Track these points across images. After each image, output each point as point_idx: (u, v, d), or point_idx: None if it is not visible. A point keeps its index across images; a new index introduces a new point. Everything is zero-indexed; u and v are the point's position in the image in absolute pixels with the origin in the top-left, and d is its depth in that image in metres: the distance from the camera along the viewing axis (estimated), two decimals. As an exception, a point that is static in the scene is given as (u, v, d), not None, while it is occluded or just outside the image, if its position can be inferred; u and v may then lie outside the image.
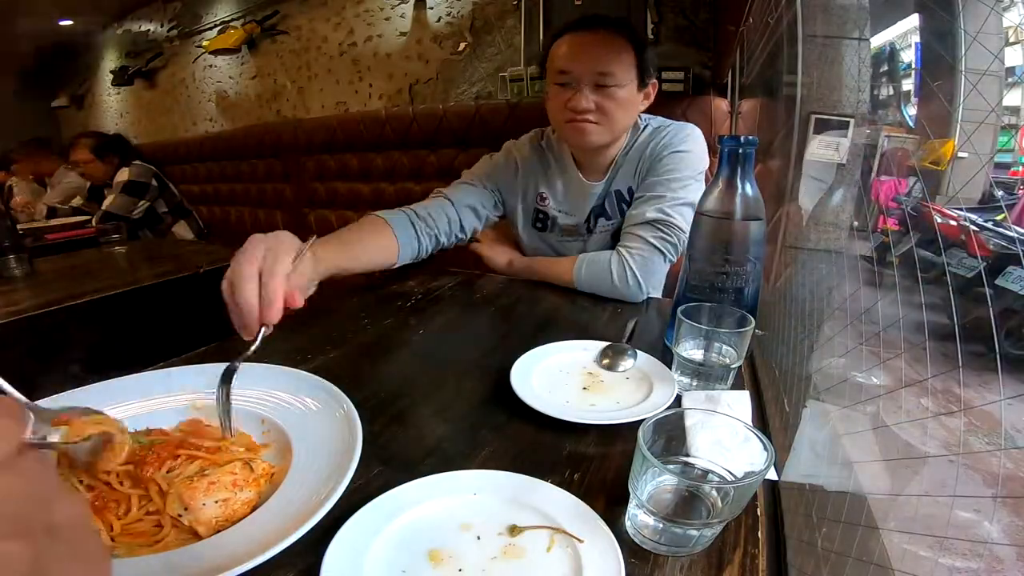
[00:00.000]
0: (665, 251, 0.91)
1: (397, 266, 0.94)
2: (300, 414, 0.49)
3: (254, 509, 0.38)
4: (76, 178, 2.80)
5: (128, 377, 0.54)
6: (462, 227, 1.03)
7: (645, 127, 1.03)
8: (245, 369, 0.51)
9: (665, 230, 0.91)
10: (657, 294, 0.97)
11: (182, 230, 2.45)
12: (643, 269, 0.89)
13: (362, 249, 0.87)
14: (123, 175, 2.32)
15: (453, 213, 1.02)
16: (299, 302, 0.55)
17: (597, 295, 0.92)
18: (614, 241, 1.04)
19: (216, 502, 0.36)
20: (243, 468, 0.40)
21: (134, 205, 2.31)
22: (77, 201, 2.66)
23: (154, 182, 2.37)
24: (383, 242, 0.91)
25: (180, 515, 0.36)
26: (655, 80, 1.00)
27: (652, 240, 0.90)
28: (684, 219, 0.91)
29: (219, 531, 0.36)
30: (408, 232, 0.95)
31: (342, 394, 0.50)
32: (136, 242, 2.18)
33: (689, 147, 0.98)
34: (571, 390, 0.58)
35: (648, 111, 1.03)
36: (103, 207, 2.26)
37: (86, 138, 2.44)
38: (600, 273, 0.92)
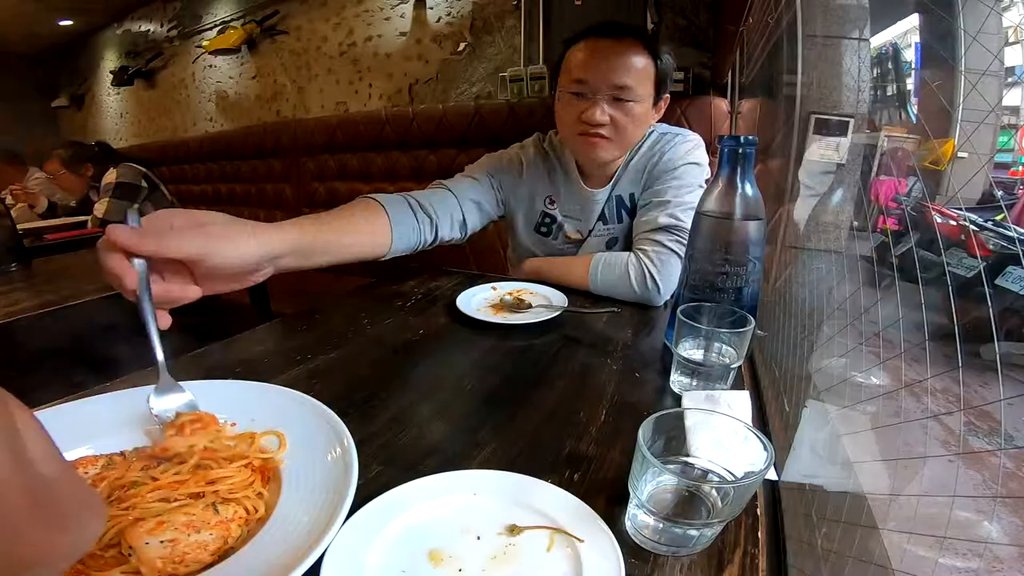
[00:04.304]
0: (680, 253, 0.89)
1: (388, 257, 0.83)
2: (291, 449, 0.44)
3: (229, 553, 0.34)
4: (44, 180, 2.77)
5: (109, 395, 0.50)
6: (464, 222, 0.99)
7: (649, 134, 1.01)
8: (249, 390, 0.51)
9: (679, 233, 0.89)
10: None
11: None
12: (662, 272, 0.87)
13: (345, 232, 0.73)
14: (110, 177, 2.24)
15: (456, 206, 0.97)
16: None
17: (597, 295, 0.92)
18: (608, 247, 1.04)
19: (161, 542, 0.33)
20: (204, 510, 0.35)
21: (128, 208, 2.28)
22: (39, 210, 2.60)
23: (143, 183, 2.32)
24: (373, 227, 0.80)
25: (129, 554, 0.33)
26: (667, 95, 0.98)
27: (668, 243, 0.89)
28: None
29: (171, 575, 0.33)
30: (406, 219, 0.86)
31: (344, 428, 0.45)
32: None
33: (697, 158, 0.98)
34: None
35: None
36: (98, 214, 2.23)
37: (58, 149, 2.38)
38: (618, 276, 0.89)
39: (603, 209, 1.04)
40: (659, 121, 1.03)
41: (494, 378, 0.63)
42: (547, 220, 1.09)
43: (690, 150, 0.98)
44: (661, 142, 1.00)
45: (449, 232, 0.96)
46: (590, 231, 1.06)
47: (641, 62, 0.90)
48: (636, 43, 0.91)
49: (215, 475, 0.39)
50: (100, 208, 2.22)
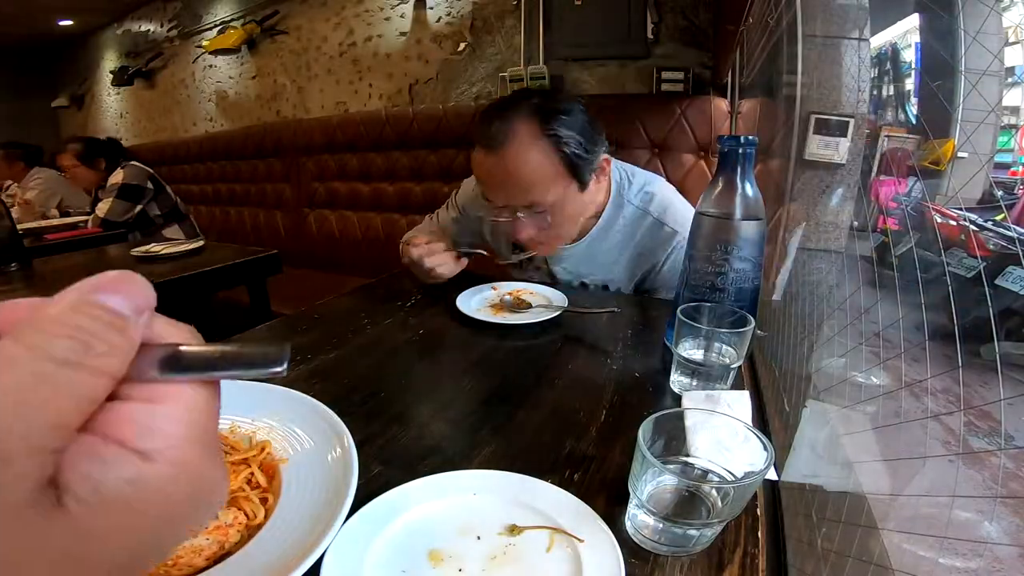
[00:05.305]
0: None
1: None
2: (291, 449, 0.44)
3: (223, 557, 0.34)
4: (47, 181, 2.76)
5: None
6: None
7: (621, 191, 0.94)
8: (249, 390, 0.50)
9: None
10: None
11: (172, 233, 2.42)
12: None
13: None
14: (117, 177, 2.27)
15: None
16: None
17: (597, 295, 0.92)
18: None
19: None
20: None
21: (131, 210, 2.28)
22: (53, 211, 2.62)
23: (149, 184, 2.33)
24: None
25: None
26: (606, 156, 0.87)
27: None
28: None
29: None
30: None
31: (344, 428, 0.45)
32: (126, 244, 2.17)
33: (679, 205, 0.94)
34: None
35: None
36: (100, 214, 2.23)
37: (73, 143, 2.40)
38: None
39: (564, 273, 1.01)
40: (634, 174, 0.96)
41: (494, 378, 0.63)
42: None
43: (670, 205, 0.93)
44: (652, 223, 0.92)
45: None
46: (553, 277, 1.04)
47: (538, 168, 0.79)
48: (524, 144, 0.78)
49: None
50: (103, 207, 2.23)
